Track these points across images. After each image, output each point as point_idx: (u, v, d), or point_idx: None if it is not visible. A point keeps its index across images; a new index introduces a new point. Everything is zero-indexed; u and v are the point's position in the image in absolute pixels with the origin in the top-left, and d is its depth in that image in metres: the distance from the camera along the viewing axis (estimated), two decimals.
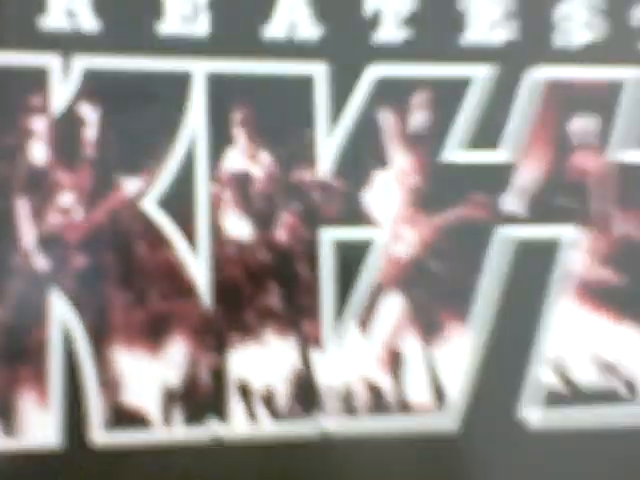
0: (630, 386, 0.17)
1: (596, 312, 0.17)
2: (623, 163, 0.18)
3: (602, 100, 0.17)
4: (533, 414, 0.16)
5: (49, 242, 0.14)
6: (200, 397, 0.15)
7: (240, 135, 0.16)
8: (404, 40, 0.17)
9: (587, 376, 0.17)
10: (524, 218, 0.17)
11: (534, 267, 0.17)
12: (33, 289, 0.14)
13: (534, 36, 0.17)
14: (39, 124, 0.15)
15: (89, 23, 0.15)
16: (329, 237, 0.16)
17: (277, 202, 0.16)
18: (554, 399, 0.16)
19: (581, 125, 0.17)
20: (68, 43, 0.15)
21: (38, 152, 0.15)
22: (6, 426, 0.14)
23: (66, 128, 0.15)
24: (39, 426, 0.14)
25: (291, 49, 0.16)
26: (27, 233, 0.14)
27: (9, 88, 0.15)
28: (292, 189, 0.16)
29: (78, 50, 0.15)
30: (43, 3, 0.15)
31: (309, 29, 0.16)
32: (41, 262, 0.14)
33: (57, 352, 0.14)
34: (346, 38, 0.16)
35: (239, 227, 0.16)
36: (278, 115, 0.16)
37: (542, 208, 0.17)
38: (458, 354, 0.16)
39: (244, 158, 0.16)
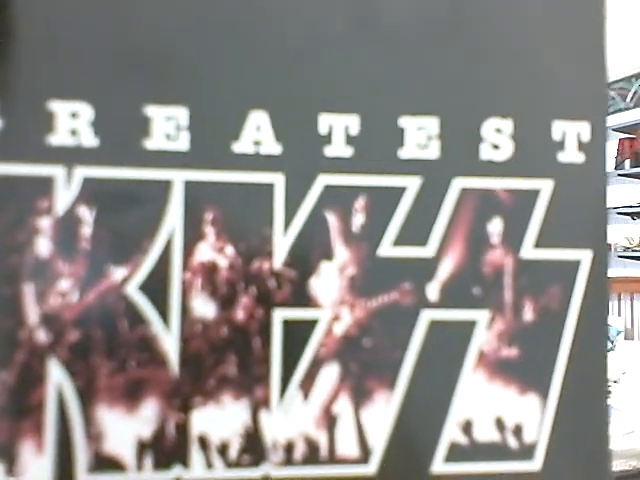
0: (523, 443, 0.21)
1: (501, 384, 0.21)
2: (531, 259, 0.21)
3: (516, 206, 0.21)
4: (438, 465, 0.20)
5: (49, 320, 0.18)
6: (167, 447, 0.18)
7: (210, 232, 0.19)
8: (350, 155, 0.20)
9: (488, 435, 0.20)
10: (444, 303, 0.21)
11: (450, 344, 0.20)
12: (34, 358, 0.18)
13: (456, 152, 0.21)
14: (45, 223, 0.18)
15: (88, 140, 0.18)
16: (280, 316, 0.19)
17: (238, 287, 0.19)
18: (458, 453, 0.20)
19: (497, 227, 0.21)
20: (71, 157, 0.18)
21: (43, 246, 0.18)
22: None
23: (66, 226, 0.18)
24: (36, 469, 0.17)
25: (256, 162, 0.19)
26: (31, 312, 0.18)
27: (21, 193, 0.18)
28: (251, 277, 0.19)
29: (79, 162, 0.18)
30: (52, 124, 0.18)
31: (271, 146, 0.20)
32: (42, 336, 0.18)
33: (52, 409, 0.18)
34: (301, 153, 0.20)
35: (205, 308, 0.19)
36: (242, 216, 0.19)
37: (461, 295, 0.21)
38: (382, 415, 0.20)
39: (212, 251, 0.19)
